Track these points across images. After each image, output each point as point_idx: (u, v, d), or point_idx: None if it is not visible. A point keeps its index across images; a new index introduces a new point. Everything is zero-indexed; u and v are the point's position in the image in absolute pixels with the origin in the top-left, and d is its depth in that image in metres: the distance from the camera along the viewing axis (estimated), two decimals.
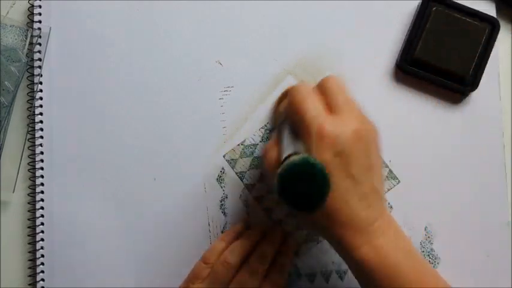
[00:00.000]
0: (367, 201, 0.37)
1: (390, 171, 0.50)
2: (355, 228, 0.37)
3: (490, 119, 0.50)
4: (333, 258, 0.49)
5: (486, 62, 0.49)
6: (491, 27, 0.49)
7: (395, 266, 0.37)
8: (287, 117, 0.41)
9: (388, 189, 0.50)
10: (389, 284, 0.37)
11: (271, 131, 0.49)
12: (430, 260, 0.49)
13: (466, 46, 0.49)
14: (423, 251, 0.49)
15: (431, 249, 0.49)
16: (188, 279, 0.46)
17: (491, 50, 0.49)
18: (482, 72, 0.49)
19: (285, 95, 0.48)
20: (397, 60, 0.50)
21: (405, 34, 0.50)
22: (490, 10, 0.50)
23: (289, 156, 0.34)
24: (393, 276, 0.37)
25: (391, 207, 0.50)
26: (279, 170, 0.33)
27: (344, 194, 0.36)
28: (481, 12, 0.49)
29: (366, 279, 0.38)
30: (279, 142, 0.39)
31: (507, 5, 0.51)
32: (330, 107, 0.38)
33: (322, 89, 0.39)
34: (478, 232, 0.50)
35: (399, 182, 0.50)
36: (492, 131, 0.50)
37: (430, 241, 0.49)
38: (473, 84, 0.49)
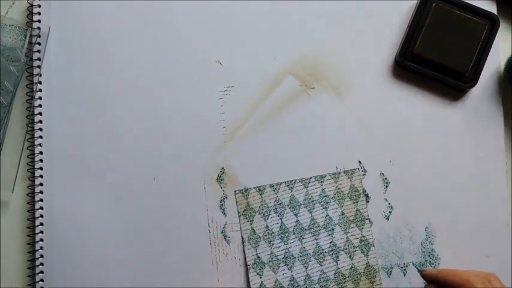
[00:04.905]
0: None
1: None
2: None
3: (490, 117, 0.51)
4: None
5: (485, 59, 0.49)
6: (491, 24, 0.49)
7: None
8: None
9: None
10: None
11: None
12: (431, 260, 0.49)
13: (466, 43, 0.49)
14: (423, 251, 0.49)
15: (432, 249, 0.49)
16: None
17: (490, 47, 0.49)
18: (482, 69, 0.49)
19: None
20: (396, 56, 0.50)
21: (404, 30, 0.50)
22: (491, 7, 0.51)
23: None
24: None
25: (392, 207, 0.50)
26: None
27: None
28: (481, 8, 0.49)
29: None
30: None
31: (508, 2, 0.51)
32: None
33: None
34: (478, 232, 0.50)
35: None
36: (492, 130, 0.50)
37: (430, 241, 0.49)
38: (473, 80, 0.49)
